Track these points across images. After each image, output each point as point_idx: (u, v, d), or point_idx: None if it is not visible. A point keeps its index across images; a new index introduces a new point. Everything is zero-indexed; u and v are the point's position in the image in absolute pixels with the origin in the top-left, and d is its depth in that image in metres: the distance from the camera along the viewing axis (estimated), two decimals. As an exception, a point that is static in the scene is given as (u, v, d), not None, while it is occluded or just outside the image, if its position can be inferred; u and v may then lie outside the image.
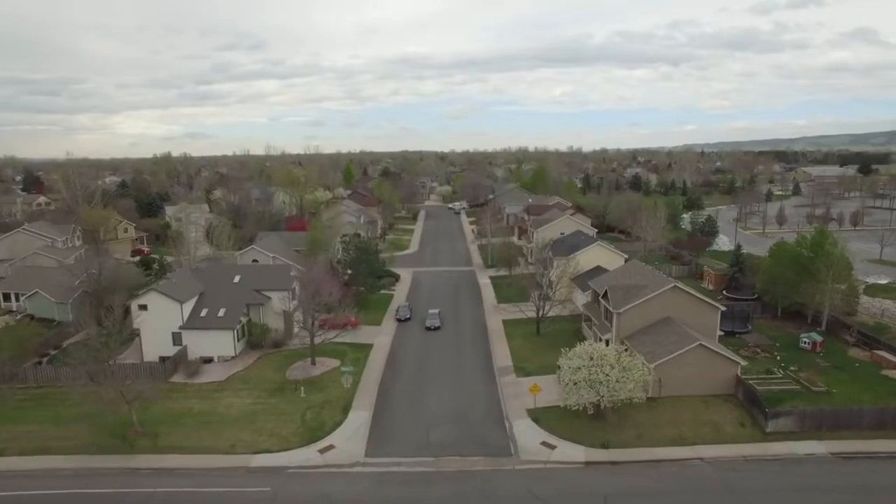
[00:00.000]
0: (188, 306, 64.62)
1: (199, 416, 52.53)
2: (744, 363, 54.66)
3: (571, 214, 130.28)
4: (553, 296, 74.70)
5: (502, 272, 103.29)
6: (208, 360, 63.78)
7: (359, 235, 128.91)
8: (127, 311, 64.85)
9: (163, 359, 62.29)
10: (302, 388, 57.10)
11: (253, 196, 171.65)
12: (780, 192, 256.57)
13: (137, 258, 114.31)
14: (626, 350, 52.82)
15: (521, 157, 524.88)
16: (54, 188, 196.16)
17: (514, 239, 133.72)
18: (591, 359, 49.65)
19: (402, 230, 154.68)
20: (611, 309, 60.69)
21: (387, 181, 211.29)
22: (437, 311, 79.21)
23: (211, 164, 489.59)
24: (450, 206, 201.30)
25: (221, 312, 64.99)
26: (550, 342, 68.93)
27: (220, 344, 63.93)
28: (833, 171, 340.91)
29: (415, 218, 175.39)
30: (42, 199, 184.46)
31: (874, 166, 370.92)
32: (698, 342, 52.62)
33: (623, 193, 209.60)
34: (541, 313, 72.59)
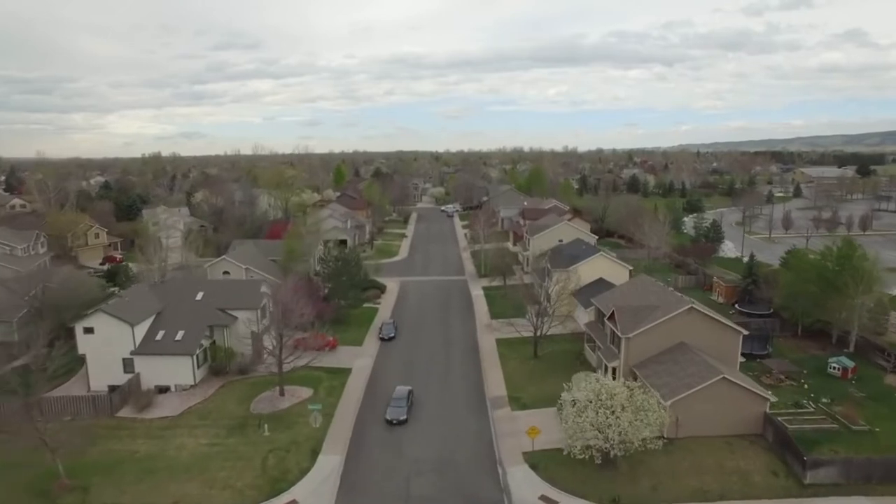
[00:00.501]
0: (142, 328, 57.05)
1: (143, 461, 44.98)
2: (773, 399, 47.46)
3: (569, 219, 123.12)
4: (552, 313, 67.44)
5: (496, 283, 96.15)
6: (164, 390, 56.28)
7: (344, 243, 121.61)
8: (71, 333, 57.22)
9: (112, 388, 54.81)
10: (266, 425, 49.64)
11: (236, 198, 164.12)
12: (780, 194, 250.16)
13: (108, 266, 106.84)
14: (639, 385, 45.51)
15: (516, 157, 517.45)
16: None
17: (510, 245, 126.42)
18: (599, 398, 42.39)
19: (391, 234, 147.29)
20: (618, 333, 53.43)
21: (377, 182, 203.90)
22: (406, 389, 54.72)
23: (202, 164, 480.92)
24: (442, 208, 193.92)
25: (180, 335, 57.45)
26: (549, 367, 61.77)
27: (177, 371, 56.41)
28: (832, 172, 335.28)
29: (406, 221, 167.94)
30: (16, 200, 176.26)
31: (871, 167, 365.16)
32: (721, 375, 45.39)
33: (621, 196, 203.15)
34: (538, 333, 65.28)
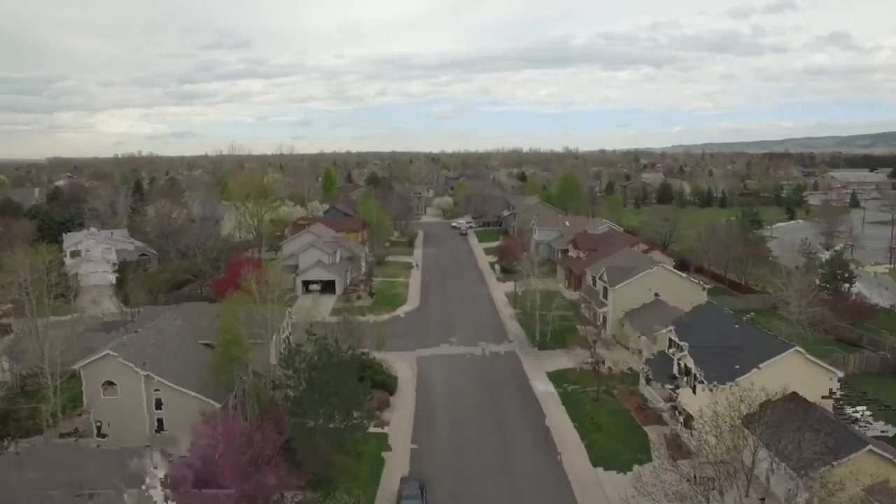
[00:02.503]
0: None
1: None
2: None
3: (645, 251, 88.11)
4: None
5: (567, 360, 60.63)
6: None
7: (332, 286, 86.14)
8: None
9: None
10: None
11: (196, 215, 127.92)
12: (834, 204, 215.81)
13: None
14: None
15: (517, 158, 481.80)
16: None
17: (562, 286, 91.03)
18: None
19: (394, 266, 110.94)
20: None
21: (374, 193, 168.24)
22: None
23: (188, 165, 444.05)
24: (454, 223, 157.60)
25: None
26: None
27: None
28: (870, 176, 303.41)
29: (411, 243, 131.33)
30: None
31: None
32: None
33: (669, 207, 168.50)
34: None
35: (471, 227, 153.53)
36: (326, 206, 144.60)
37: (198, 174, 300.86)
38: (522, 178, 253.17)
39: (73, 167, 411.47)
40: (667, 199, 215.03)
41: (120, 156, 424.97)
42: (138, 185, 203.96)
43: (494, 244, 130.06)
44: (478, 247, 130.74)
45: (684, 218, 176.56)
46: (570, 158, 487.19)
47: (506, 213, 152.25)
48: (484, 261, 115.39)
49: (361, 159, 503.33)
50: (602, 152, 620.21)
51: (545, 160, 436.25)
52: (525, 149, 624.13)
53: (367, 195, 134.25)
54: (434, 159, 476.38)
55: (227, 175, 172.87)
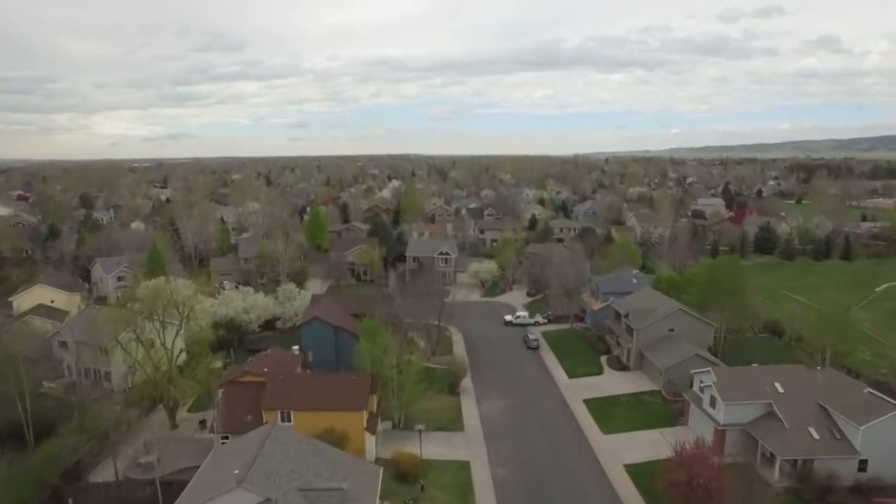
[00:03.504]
0: None
1: None
2: None
3: None
4: None
5: None
6: None
7: None
8: None
9: None
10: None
11: (70, 334, 69.49)
12: None
13: None
14: None
15: (530, 166, 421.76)
16: None
17: None
18: None
19: (438, 491, 52.59)
20: None
21: (380, 244, 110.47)
22: None
23: (163, 176, 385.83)
24: (509, 318, 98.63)
25: None
26: None
27: None
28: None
29: (454, 389, 71.74)
30: None
31: None
32: None
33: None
34: None
35: (538, 325, 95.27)
36: (307, 300, 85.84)
37: (164, 197, 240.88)
38: (564, 210, 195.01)
39: (29, 180, 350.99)
40: (768, 247, 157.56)
41: (79, 160, 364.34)
42: (52, 230, 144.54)
43: (598, 385, 72.58)
44: (573, 392, 71.78)
45: (817, 285, 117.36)
46: (566, 162, 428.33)
47: (594, 301, 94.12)
48: (612, 462, 56.97)
49: (359, 171, 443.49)
50: (615, 158, 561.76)
51: (566, 173, 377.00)
52: (532, 153, 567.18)
53: (375, 320, 73.90)
54: (439, 171, 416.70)
55: (157, 237, 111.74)
